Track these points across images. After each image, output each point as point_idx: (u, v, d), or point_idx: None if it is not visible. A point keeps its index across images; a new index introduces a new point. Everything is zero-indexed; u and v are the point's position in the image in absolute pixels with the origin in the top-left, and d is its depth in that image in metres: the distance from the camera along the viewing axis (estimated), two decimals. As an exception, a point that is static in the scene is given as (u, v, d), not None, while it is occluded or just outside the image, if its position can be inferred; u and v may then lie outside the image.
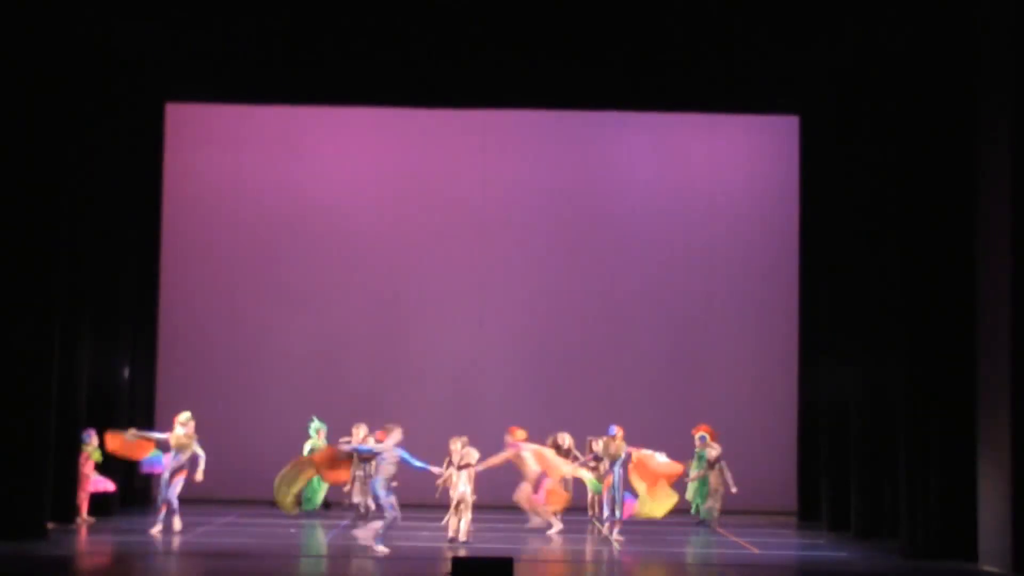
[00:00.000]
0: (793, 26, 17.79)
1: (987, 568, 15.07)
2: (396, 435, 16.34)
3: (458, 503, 16.76)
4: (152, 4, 17.60)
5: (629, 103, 21.16)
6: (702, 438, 20.04)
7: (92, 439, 18.53)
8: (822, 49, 18.57)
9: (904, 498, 16.49)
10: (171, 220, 22.36)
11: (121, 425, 20.11)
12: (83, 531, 17.70)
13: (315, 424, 20.26)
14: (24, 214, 16.51)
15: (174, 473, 17.59)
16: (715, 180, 23.01)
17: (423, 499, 19.95)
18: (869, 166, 18.71)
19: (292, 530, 18.15)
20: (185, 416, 17.82)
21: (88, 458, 18.40)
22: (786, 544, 18.49)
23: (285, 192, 22.87)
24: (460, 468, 16.85)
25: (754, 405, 22.36)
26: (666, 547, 17.63)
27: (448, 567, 12.84)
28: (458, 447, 17.01)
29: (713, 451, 19.77)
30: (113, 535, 17.50)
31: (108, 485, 18.70)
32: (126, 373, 20.44)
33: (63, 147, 16.99)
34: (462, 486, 16.79)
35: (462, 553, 15.68)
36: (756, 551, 17.20)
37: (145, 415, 21.36)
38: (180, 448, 17.64)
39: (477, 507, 19.26)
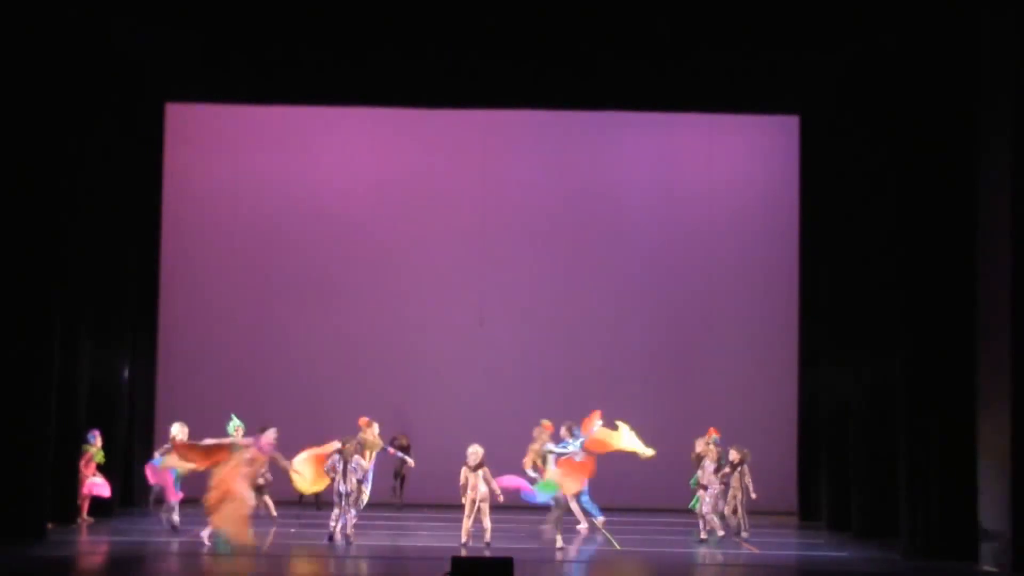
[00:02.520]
0: (793, 26, 17.78)
1: (987, 568, 15.07)
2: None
3: (476, 504, 16.64)
4: (152, 4, 17.60)
5: (629, 103, 21.15)
6: (717, 442, 19.02)
7: (96, 440, 18.53)
8: (822, 49, 18.57)
9: (904, 498, 16.49)
10: (171, 220, 22.34)
11: (121, 425, 20.13)
12: (83, 531, 17.70)
13: (234, 423, 19.93)
14: (24, 214, 16.52)
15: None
16: (715, 180, 23.00)
17: (422, 499, 20.02)
18: (869, 166, 18.71)
19: (292, 530, 18.15)
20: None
21: (91, 459, 18.39)
22: (786, 544, 18.49)
23: (285, 192, 22.86)
24: (475, 469, 16.73)
25: (754, 405, 22.33)
26: (666, 547, 17.62)
27: (448, 567, 12.83)
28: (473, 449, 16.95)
29: (736, 454, 18.76)
30: (113, 535, 17.50)
31: (104, 491, 18.61)
32: (126, 373, 20.44)
33: (63, 147, 16.99)
34: (482, 487, 16.68)
35: (487, 553, 15.75)
36: (756, 551, 17.20)
37: (145, 415, 21.38)
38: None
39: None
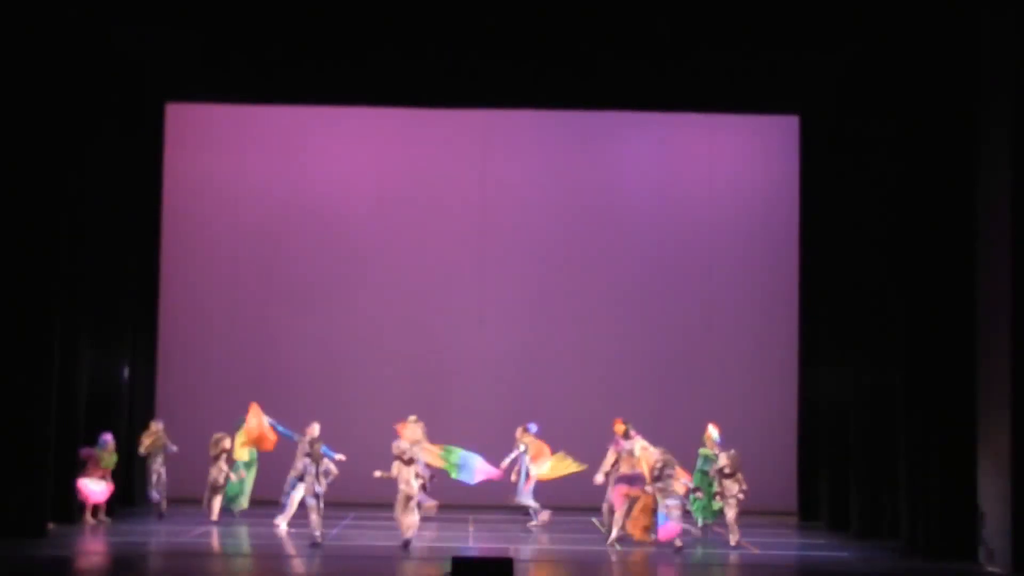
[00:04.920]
0: (793, 26, 17.79)
1: (987, 568, 15.08)
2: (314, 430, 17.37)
3: (408, 499, 16.45)
4: (152, 4, 17.60)
5: (629, 103, 21.14)
6: (718, 440, 18.65)
7: (108, 444, 18.52)
8: (822, 49, 18.58)
9: (904, 498, 16.50)
10: (171, 220, 22.34)
11: (121, 426, 20.14)
12: (84, 531, 17.69)
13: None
14: (24, 214, 16.53)
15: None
16: (715, 180, 23.00)
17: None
18: (869, 166, 18.72)
19: (293, 530, 18.13)
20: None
21: (99, 463, 18.38)
22: (786, 544, 18.49)
23: (285, 192, 22.86)
24: (408, 463, 16.48)
25: (754, 405, 22.34)
26: (666, 547, 17.59)
27: (448, 567, 12.84)
28: (404, 446, 16.76)
29: (727, 460, 17.92)
30: (113, 536, 17.50)
31: (98, 497, 18.54)
32: (126, 373, 20.44)
33: (63, 147, 17.00)
34: (415, 482, 16.47)
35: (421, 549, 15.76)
36: (756, 551, 17.21)
37: (145, 415, 21.36)
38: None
39: (478, 507, 19.36)
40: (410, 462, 16.41)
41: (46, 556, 15.26)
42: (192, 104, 22.35)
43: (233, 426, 19.35)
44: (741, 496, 17.67)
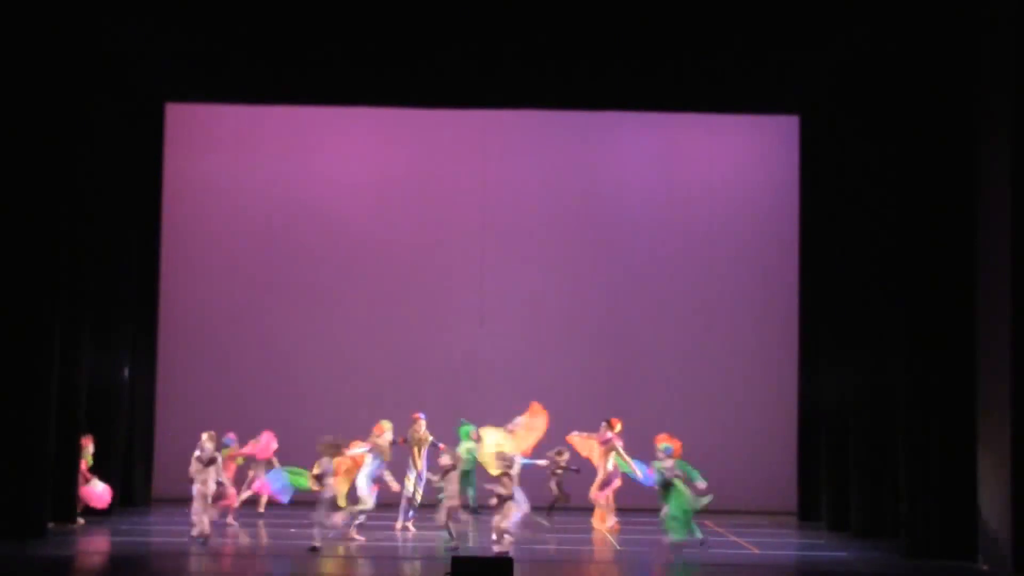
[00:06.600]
0: (793, 26, 17.80)
1: (987, 568, 15.08)
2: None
3: (204, 498, 16.46)
4: (152, 4, 17.61)
5: (629, 103, 21.18)
6: (666, 450, 17.03)
7: (235, 444, 18.63)
8: (822, 49, 18.59)
9: (904, 498, 16.49)
10: (171, 220, 22.37)
11: (121, 426, 20.16)
12: (232, 532, 17.89)
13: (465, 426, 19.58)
14: (24, 214, 16.54)
15: (376, 481, 17.77)
16: (715, 180, 23.03)
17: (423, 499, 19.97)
18: (869, 166, 18.73)
19: (292, 529, 18.13)
20: (388, 424, 17.96)
21: (232, 461, 18.51)
22: (786, 544, 18.49)
23: (285, 192, 22.88)
24: (207, 463, 16.46)
25: (754, 406, 22.36)
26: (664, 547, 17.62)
27: (448, 567, 12.84)
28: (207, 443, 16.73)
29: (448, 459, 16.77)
30: (113, 536, 17.51)
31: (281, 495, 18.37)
32: (126, 373, 20.45)
33: (63, 147, 17.00)
34: (211, 482, 16.50)
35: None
36: (756, 551, 17.21)
37: (145, 415, 21.38)
38: (383, 456, 17.89)
39: (479, 507, 19.30)
40: (210, 462, 16.47)
41: (46, 556, 15.26)
42: (192, 104, 22.37)
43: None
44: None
